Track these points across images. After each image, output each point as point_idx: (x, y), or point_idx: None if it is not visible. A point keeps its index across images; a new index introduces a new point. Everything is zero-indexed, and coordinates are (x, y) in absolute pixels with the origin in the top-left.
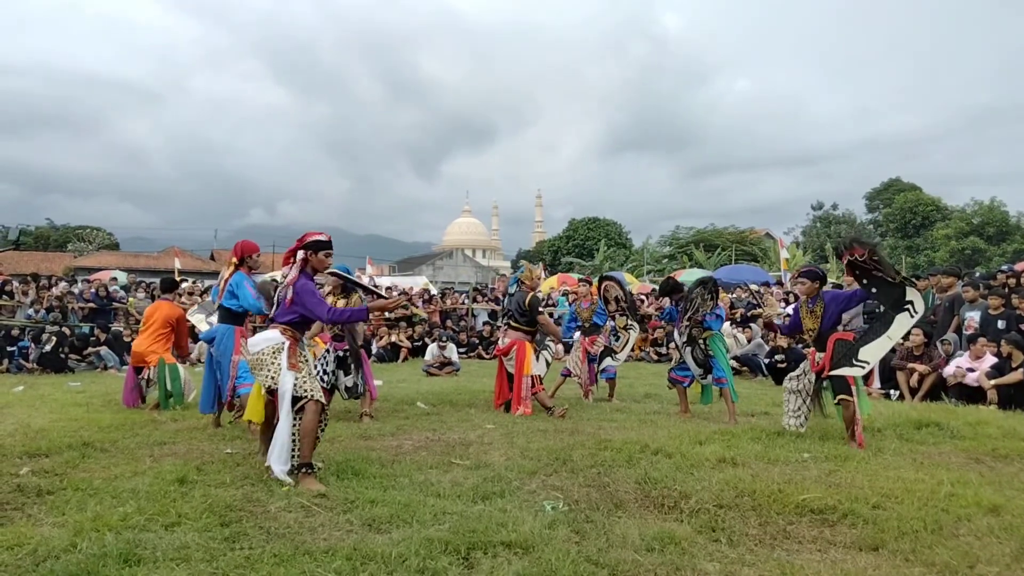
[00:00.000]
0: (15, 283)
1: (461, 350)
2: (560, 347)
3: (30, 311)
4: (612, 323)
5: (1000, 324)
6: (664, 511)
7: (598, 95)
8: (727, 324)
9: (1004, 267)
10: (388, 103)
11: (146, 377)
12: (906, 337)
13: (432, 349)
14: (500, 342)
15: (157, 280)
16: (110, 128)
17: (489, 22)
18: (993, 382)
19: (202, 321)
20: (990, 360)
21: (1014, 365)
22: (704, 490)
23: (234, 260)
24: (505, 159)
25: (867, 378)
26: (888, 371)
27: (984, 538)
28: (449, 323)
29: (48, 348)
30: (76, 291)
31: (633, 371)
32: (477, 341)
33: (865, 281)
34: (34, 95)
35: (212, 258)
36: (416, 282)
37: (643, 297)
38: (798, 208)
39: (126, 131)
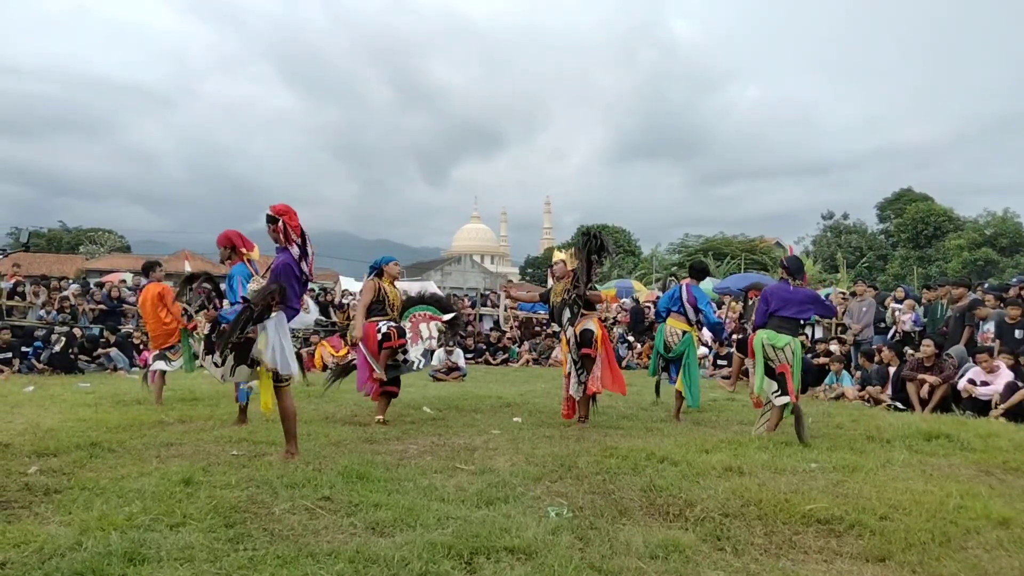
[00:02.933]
0: (27, 284)
1: (468, 355)
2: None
3: (41, 312)
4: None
5: (1017, 334)
6: (669, 519)
7: (608, 101)
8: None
9: (1014, 280)
10: (398, 108)
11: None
12: (917, 348)
13: (439, 354)
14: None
15: (168, 283)
16: (123, 131)
17: (499, 28)
18: (1006, 404)
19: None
20: (1006, 375)
21: None
22: (710, 498)
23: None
24: (514, 164)
25: (881, 387)
26: (899, 382)
27: (993, 551)
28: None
29: (57, 349)
30: (83, 290)
31: (640, 379)
32: (484, 347)
33: None
34: (48, 98)
35: (222, 262)
36: (425, 287)
37: (648, 305)
38: (808, 217)
39: (138, 134)
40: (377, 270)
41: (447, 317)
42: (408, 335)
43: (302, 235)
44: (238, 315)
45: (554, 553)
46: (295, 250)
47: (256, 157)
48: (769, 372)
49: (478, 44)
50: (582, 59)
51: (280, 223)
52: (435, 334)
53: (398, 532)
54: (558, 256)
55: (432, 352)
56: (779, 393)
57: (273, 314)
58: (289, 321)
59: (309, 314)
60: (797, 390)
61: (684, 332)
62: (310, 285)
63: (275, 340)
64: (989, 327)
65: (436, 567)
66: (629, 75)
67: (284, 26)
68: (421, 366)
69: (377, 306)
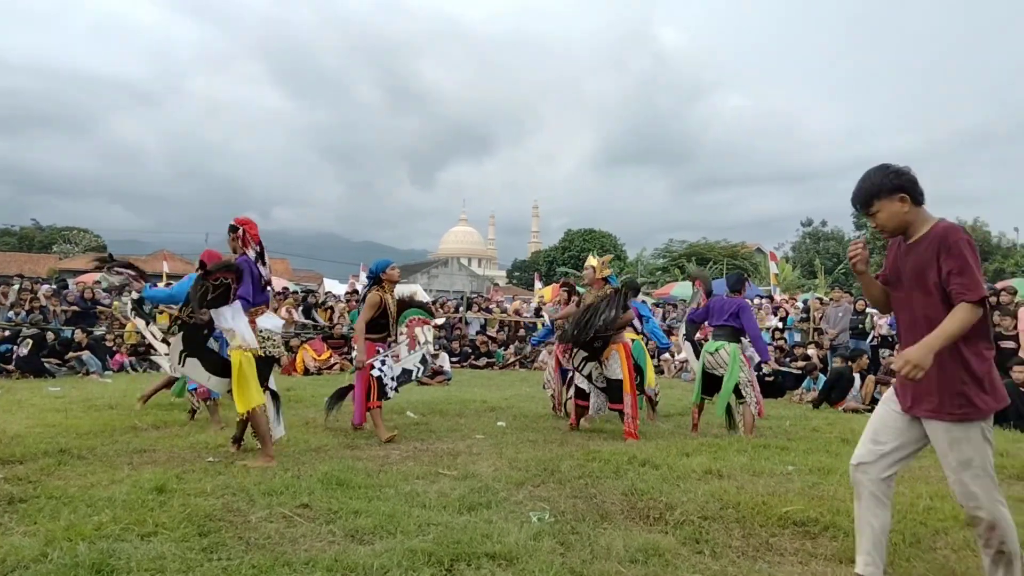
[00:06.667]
0: None
1: (453, 359)
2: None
3: (10, 314)
4: None
5: None
6: (649, 523)
7: (597, 108)
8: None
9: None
10: (387, 110)
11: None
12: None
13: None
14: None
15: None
16: (105, 128)
17: (490, 31)
18: None
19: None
20: None
21: None
22: (689, 502)
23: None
24: (503, 168)
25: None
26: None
27: (960, 551)
28: (442, 331)
29: (24, 351)
30: (52, 290)
31: None
32: (470, 350)
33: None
34: (28, 93)
35: None
36: (411, 290)
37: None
38: (790, 224)
39: (121, 132)
40: (375, 278)
41: (438, 321)
42: (405, 341)
43: (260, 244)
44: (195, 284)
45: (535, 558)
46: (251, 253)
47: (242, 156)
48: (708, 381)
49: (469, 47)
50: (572, 65)
51: (240, 231)
52: (430, 338)
53: (378, 539)
54: (590, 262)
55: (432, 356)
56: (743, 400)
57: (228, 306)
58: (245, 311)
59: (278, 321)
60: (727, 390)
61: (633, 340)
62: (294, 288)
63: (239, 326)
64: None
65: (416, 574)
66: (618, 82)
67: (272, 24)
68: (421, 374)
69: (381, 321)
